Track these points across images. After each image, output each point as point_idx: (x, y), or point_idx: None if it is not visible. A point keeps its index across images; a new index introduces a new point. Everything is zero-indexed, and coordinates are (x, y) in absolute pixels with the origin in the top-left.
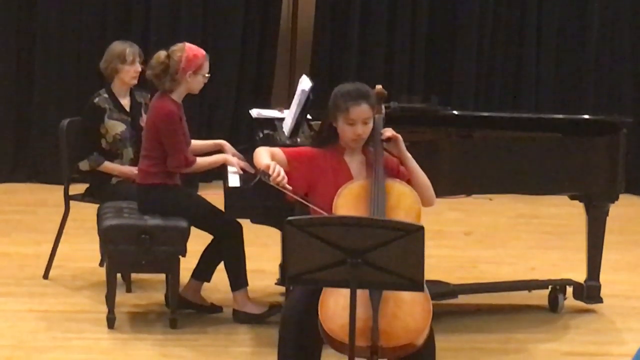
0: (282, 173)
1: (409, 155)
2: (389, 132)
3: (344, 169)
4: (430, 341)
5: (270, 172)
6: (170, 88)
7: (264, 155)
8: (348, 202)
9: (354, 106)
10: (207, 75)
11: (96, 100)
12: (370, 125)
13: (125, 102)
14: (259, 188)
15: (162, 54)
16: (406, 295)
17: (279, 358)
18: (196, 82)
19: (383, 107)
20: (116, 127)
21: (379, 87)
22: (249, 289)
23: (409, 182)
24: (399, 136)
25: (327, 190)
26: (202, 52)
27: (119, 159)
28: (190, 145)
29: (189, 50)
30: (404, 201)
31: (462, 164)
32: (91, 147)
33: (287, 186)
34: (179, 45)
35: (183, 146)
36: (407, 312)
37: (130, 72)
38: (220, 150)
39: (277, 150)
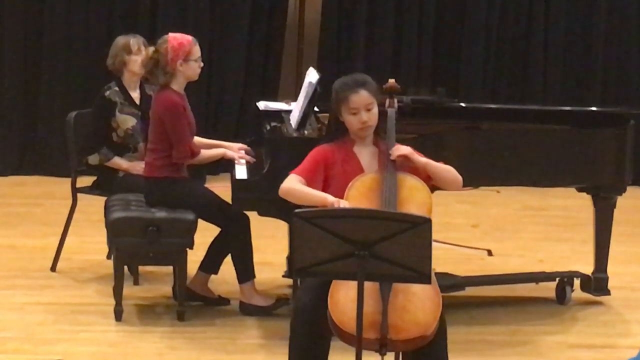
0: (344, 204)
1: (424, 161)
2: (397, 151)
3: (354, 161)
4: (442, 334)
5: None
6: (167, 81)
7: (311, 192)
8: (360, 194)
9: (352, 95)
10: (199, 58)
11: (107, 93)
12: (375, 111)
13: (136, 95)
14: (266, 180)
15: (150, 50)
16: (416, 289)
17: (290, 349)
18: (190, 69)
19: (396, 101)
20: (127, 121)
21: (391, 81)
22: (256, 281)
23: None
24: (409, 151)
25: (338, 182)
26: (187, 38)
27: (131, 152)
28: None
29: (173, 39)
30: (415, 194)
31: (469, 156)
32: (101, 140)
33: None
34: (163, 37)
35: (187, 137)
36: (417, 305)
37: (137, 61)
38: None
39: (299, 179)
